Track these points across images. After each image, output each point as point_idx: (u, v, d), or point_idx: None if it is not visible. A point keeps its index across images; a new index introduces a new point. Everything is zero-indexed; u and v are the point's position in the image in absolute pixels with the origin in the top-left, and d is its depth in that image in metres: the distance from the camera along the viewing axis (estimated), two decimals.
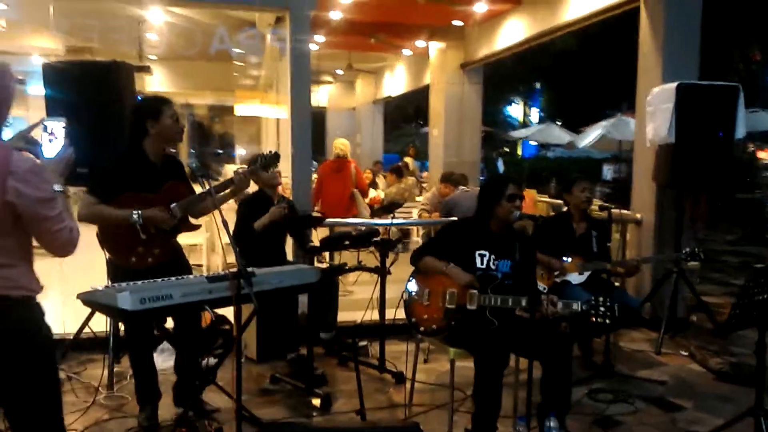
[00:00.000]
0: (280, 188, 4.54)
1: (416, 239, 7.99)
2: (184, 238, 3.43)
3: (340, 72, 14.48)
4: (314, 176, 7.07)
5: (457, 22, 9.20)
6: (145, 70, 5.31)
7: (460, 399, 3.60)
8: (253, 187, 4.38)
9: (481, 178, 10.52)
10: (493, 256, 3.28)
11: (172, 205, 3.12)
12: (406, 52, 11.60)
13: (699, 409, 3.71)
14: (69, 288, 2.96)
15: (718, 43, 13.92)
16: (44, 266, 2.10)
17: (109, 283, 3.15)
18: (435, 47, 10.05)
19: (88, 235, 2.27)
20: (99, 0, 5.87)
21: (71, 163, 2.11)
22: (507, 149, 28.11)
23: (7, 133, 2.07)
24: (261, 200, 4.20)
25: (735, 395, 3.87)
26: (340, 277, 4.63)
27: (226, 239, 2.72)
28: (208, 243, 6.66)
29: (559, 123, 20.44)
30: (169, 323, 3.38)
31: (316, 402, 3.63)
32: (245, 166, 3.72)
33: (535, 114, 29.98)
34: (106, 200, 3.02)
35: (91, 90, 3.61)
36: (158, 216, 3.05)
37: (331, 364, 4.33)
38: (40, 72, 3.76)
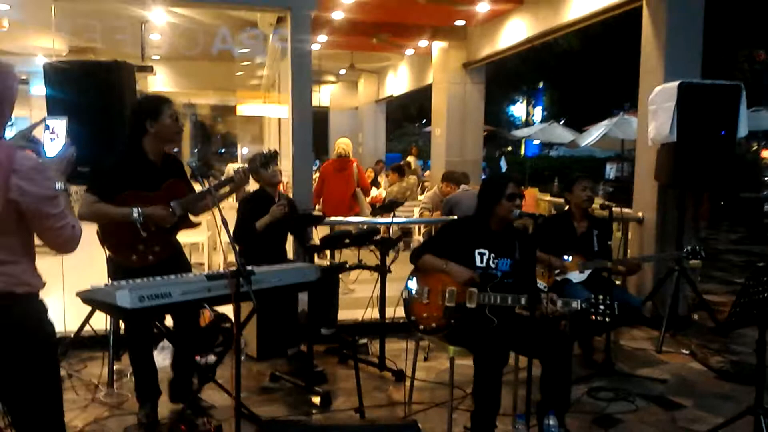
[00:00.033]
0: (281, 186, 4.56)
1: (418, 238, 8.00)
2: (185, 237, 3.44)
3: (342, 72, 14.50)
4: (316, 175, 7.09)
5: (459, 22, 9.20)
6: (148, 70, 5.33)
7: (460, 397, 3.61)
8: (253, 186, 4.40)
9: (483, 177, 10.52)
10: (492, 255, 3.28)
11: (172, 202, 3.13)
12: (409, 51, 11.59)
13: (699, 407, 3.71)
14: (70, 286, 2.98)
15: (721, 42, 13.89)
16: (45, 264, 2.11)
17: (110, 281, 3.17)
18: (437, 47, 10.05)
19: (88, 233, 2.28)
20: (101, 0, 5.90)
21: (73, 161, 2.13)
22: (510, 148, 28.12)
23: (10, 133, 2.09)
24: (261, 198, 4.21)
25: (735, 394, 3.87)
26: (340, 276, 4.64)
27: (226, 238, 2.73)
28: (209, 242, 6.68)
29: (562, 122, 20.40)
30: (169, 321, 3.39)
31: (316, 400, 3.64)
32: (246, 165, 3.73)
33: (538, 113, 29.94)
34: (106, 198, 3.03)
35: (92, 90, 3.61)
36: (159, 213, 3.06)
37: (331, 362, 4.33)
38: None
